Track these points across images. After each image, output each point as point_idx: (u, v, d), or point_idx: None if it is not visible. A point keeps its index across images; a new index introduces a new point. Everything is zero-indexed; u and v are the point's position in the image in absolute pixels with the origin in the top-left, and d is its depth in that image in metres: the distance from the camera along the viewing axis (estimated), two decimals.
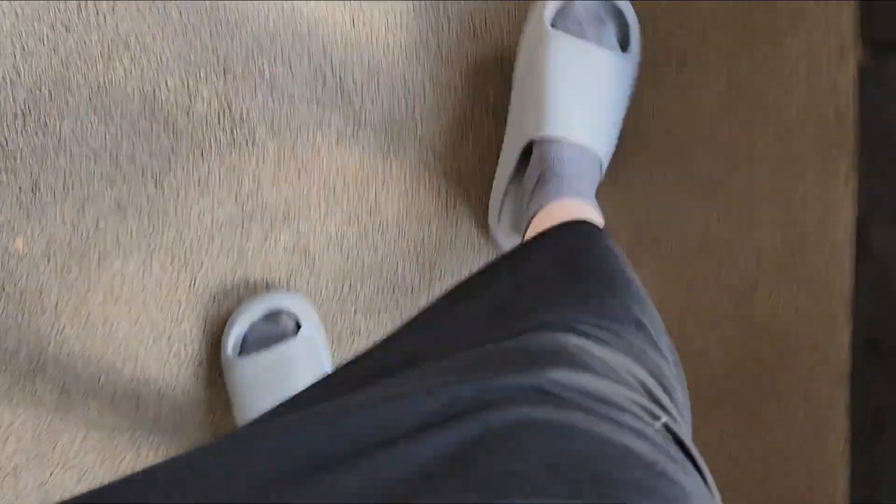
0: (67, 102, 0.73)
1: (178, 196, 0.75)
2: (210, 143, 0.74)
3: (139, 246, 0.76)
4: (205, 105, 0.73)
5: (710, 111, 0.77)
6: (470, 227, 0.80)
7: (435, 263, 0.80)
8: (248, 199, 0.76)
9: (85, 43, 0.70)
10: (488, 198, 0.78)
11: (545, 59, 0.70)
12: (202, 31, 0.72)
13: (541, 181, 0.68)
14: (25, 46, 0.70)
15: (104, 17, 0.70)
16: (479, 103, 0.76)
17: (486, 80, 0.77)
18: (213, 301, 0.79)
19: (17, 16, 0.70)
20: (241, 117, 0.75)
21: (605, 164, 0.72)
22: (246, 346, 0.78)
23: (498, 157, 0.77)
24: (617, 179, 0.76)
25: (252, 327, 0.78)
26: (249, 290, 0.80)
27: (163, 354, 0.80)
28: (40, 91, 0.71)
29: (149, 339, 0.79)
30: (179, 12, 0.71)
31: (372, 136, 0.76)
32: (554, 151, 0.69)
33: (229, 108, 0.74)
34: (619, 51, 0.73)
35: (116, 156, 0.73)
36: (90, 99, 0.73)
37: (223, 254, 0.78)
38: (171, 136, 0.73)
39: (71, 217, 0.74)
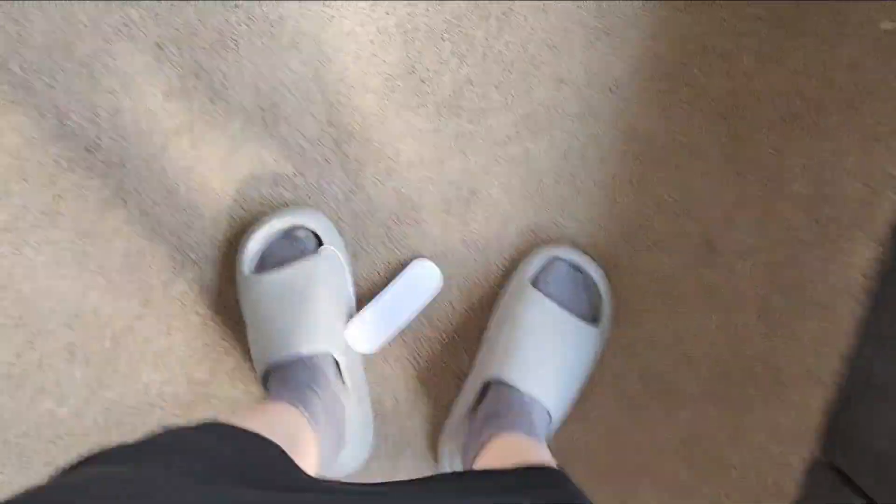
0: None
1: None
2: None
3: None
4: None
5: (663, 445, 0.83)
6: (421, 440, 0.84)
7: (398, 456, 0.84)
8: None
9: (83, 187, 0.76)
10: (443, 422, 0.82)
11: (520, 314, 0.76)
12: None
13: (493, 414, 0.71)
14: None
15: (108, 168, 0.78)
16: (463, 340, 0.82)
17: (471, 328, 0.82)
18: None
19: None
20: None
21: (556, 423, 0.75)
22: (263, 264, 0.76)
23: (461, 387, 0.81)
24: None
25: (269, 244, 0.76)
26: (266, 207, 0.79)
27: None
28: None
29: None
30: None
31: None
32: (508, 395, 0.73)
33: None
34: (590, 322, 0.77)
35: None
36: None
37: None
38: None
39: None
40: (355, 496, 0.50)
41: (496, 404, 0.73)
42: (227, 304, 0.83)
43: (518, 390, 0.74)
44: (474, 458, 0.69)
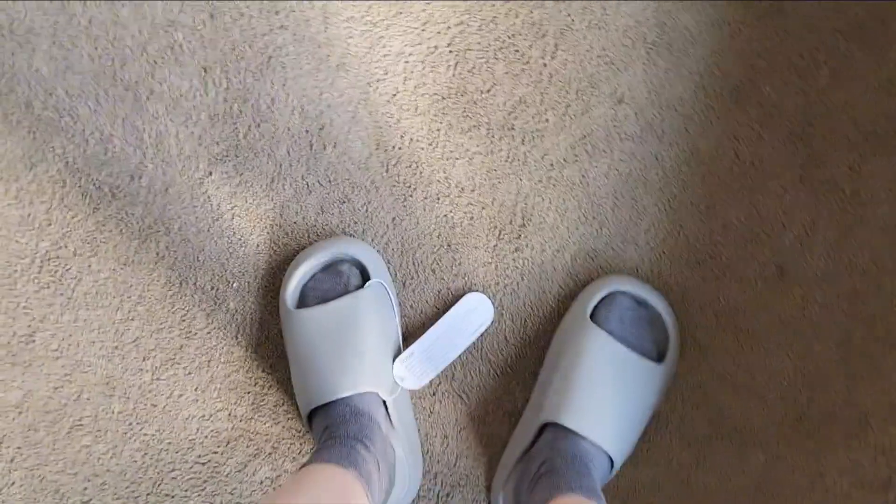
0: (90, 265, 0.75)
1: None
2: None
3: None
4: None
5: (736, 492, 0.75)
6: (473, 482, 0.78)
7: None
8: None
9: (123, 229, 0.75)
10: (496, 465, 0.77)
11: (578, 352, 0.70)
12: None
13: (548, 466, 0.66)
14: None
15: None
16: (517, 374, 0.77)
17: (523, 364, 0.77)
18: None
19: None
20: None
21: (618, 466, 0.70)
22: (305, 299, 0.72)
23: (514, 429, 0.76)
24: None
25: (314, 279, 0.72)
26: (310, 238, 0.75)
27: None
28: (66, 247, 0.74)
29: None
30: None
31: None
32: (566, 441, 0.68)
33: None
34: (655, 360, 0.72)
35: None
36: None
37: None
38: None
39: None
40: None
41: (552, 452, 0.68)
42: (270, 336, 0.79)
43: (577, 435, 0.69)
44: None
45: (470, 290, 0.78)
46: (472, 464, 0.79)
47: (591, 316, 0.73)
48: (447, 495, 0.80)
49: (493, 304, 0.77)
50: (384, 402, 0.73)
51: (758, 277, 0.76)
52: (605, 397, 0.69)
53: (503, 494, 0.75)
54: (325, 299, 0.72)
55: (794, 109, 0.73)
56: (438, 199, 0.77)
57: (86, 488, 0.80)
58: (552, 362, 0.74)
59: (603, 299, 0.73)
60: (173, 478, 0.80)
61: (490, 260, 0.78)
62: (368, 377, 0.71)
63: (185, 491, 0.80)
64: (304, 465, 0.63)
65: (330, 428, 0.69)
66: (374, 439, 0.69)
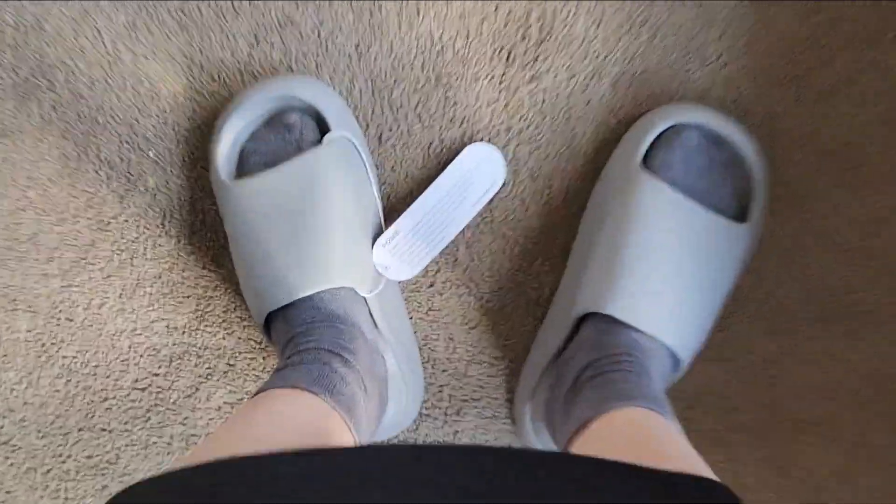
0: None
1: None
2: None
3: None
4: None
5: (842, 386, 0.56)
6: (489, 394, 0.60)
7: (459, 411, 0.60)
8: None
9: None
10: (520, 369, 0.59)
11: (627, 213, 0.50)
12: None
13: (592, 370, 0.48)
14: None
15: None
16: (542, 250, 0.57)
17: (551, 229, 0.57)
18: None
19: None
20: None
21: (685, 365, 0.51)
22: (245, 164, 0.53)
23: (542, 321, 0.58)
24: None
25: (252, 136, 0.53)
26: (244, 79, 0.55)
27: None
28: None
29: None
30: None
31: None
32: (613, 337, 0.50)
33: None
34: (734, 218, 0.51)
35: None
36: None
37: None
38: None
39: None
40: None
41: (596, 353, 0.49)
42: (207, 219, 0.59)
43: (628, 327, 0.50)
44: (572, 436, 0.44)
45: (472, 141, 0.56)
46: (488, 371, 0.60)
47: (645, 161, 0.52)
48: (458, 412, 0.61)
49: (504, 157, 0.56)
50: (364, 300, 0.53)
51: (878, 96, 0.53)
52: (665, 274, 0.50)
53: (530, 407, 0.56)
54: (270, 163, 0.52)
55: None
56: (419, 11, 0.54)
57: (1, 426, 0.63)
58: (590, 230, 0.54)
59: (660, 137, 0.52)
60: (108, 408, 0.62)
61: (497, 96, 0.55)
62: (339, 267, 0.51)
63: (125, 424, 0.63)
64: (261, 391, 0.45)
65: (295, 339, 0.51)
66: (355, 350, 0.50)
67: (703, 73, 0.54)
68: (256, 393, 0.45)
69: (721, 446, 0.59)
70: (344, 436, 0.44)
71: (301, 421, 0.43)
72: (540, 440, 0.58)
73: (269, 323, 0.54)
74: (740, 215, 0.53)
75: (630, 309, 0.49)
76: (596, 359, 0.49)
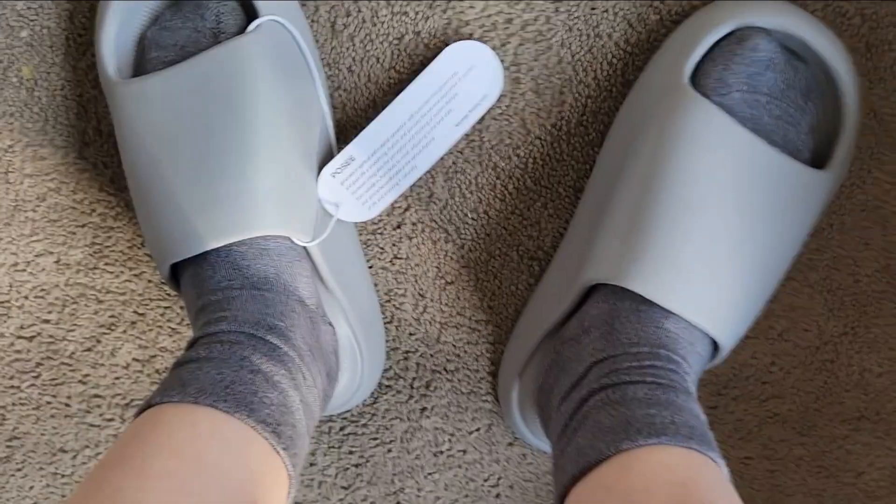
0: None
1: None
2: None
3: None
4: None
5: None
6: (467, 365, 0.47)
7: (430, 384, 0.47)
8: None
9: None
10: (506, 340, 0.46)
11: (663, 150, 0.37)
12: None
13: (603, 374, 0.36)
14: None
15: None
16: (545, 189, 0.44)
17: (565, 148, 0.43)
18: None
19: None
20: None
21: (726, 352, 0.38)
22: (146, 61, 0.40)
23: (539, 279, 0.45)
24: None
25: (154, 18, 0.40)
26: None
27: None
28: None
29: None
30: None
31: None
32: (636, 321, 0.37)
33: None
34: (809, 162, 0.38)
35: None
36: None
37: None
38: None
39: None
40: None
41: (610, 342, 0.36)
42: (103, 126, 0.45)
43: (659, 310, 0.37)
44: (574, 481, 0.31)
45: (458, 36, 0.41)
46: (467, 337, 0.47)
47: (694, 78, 0.38)
48: (426, 385, 0.48)
49: (500, 61, 0.41)
50: (305, 251, 0.39)
51: None
52: (712, 236, 0.36)
53: (518, 387, 0.44)
54: (176, 59, 0.38)
55: None
56: None
57: None
58: (611, 169, 0.40)
59: (717, 45, 0.38)
60: None
61: None
62: (267, 207, 0.38)
63: (10, 379, 0.50)
64: (149, 404, 0.33)
65: (206, 311, 0.38)
66: (289, 328, 0.38)
67: None
68: (143, 408, 0.32)
69: (754, 440, 0.48)
70: (271, 482, 0.32)
71: (207, 472, 0.30)
72: (529, 429, 0.46)
73: (177, 275, 0.41)
74: (818, 158, 0.39)
75: (660, 283, 0.36)
76: (611, 356, 0.36)
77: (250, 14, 0.39)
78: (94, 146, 0.45)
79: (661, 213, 0.37)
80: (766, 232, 0.37)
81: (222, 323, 0.37)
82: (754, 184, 0.37)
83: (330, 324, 0.42)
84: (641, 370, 0.35)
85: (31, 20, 0.43)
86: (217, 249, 0.38)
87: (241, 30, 0.38)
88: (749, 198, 0.37)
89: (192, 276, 0.39)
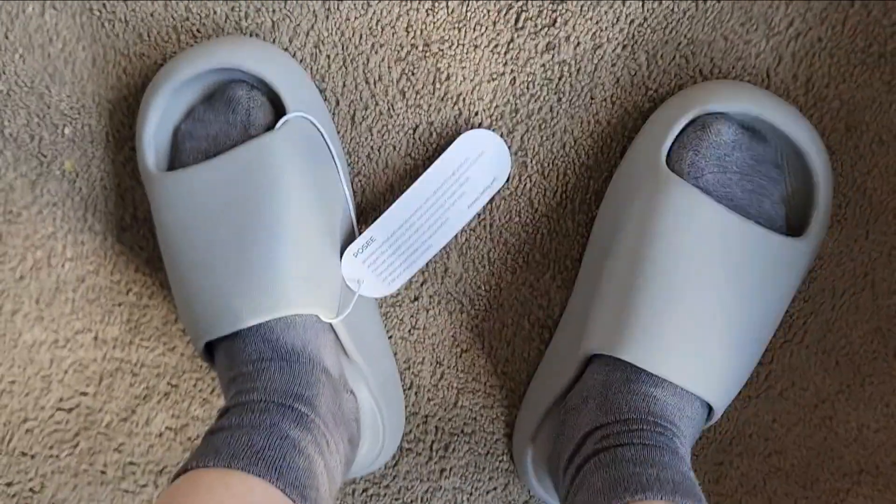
0: None
1: None
2: None
3: None
4: None
5: None
6: (483, 428, 0.50)
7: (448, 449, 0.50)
8: None
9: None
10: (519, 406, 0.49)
11: (648, 229, 0.40)
12: None
13: (599, 444, 0.38)
14: None
15: None
16: (550, 261, 0.47)
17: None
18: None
19: None
20: None
21: (719, 414, 0.41)
22: (181, 153, 0.43)
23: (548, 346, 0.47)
24: None
25: (190, 114, 0.43)
26: (181, 42, 0.43)
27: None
28: None
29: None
30: None
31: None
32: (629, 395, 0.39)
33: None
34: (785, 231, 0.41)
35: None
36: None
37: None
38: None
39: None
40: None
41: (605, 414, 0.39)
42: (139, 212, 0.48)
43: (649, 377, 0.40)
44: None
45: (469, 125, 0.44)
46: (483, 401, 0.50)
47: (671, 164, 0.41)
48: (445, 447, 0.51)
49: (508, 147, 0.44)
50: (330, 326, 0.42)
51: None
52: (698, 307, 0.39)
53: (532, 452, 0.46)
54: (210, 151, 0.42)
55: None
56: None
57: None
58: (602, 246, 0.43)
59: (685, 131, 0.41)
60: (28, 430, 0.52)
61: (501, 69, 0.43)
62: (296, 289, 0.41)
63: (50, 448, 0.53)
64: (185, 469, 0.35)
65: (238, 381, 0.41)
66: (315, 396, 0.41)
67: (768, 45, 0.42)
68: (179, 473, 0.34)
69: (759, 494, 0.50)
70: None
71: None
72: (544, 488, 0.48)
73: (211, 350, 0.44)
74: (796, 224, 0.42)
75: (648, 351, 0.39)
76: (604, 424, 0.39)
77: (277, 106, 0.42)
78: (131, 231, 0.48)
79: (647, 288, 0.39)
80: (749, 299, 0.40)
81: (253, 393, 0.39)
82: (733, 256, 0.40)
83: (352, 392, 0.44)
84: (630, 434, 0.38)
85: (74, 119, 0.46)
86: (249, 328, 0.40)
87: (270, 121, 0.42)
88: (729, 269, 0.39)
89: (225, 350, 0.42)
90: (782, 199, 0.42)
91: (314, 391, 0.40)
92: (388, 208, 0.44)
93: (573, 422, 0.41)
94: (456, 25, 0.43)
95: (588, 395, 0.41)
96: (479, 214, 0.46)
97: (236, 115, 0.41)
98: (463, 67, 0.44)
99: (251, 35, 0.44)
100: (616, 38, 0.43)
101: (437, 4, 0.43)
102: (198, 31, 0.44)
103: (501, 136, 0.45)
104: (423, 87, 0.44)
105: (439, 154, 0.44)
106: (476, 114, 0.45)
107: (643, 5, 0.42)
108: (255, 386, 0.40)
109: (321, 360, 0.42)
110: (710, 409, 0.41)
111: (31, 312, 0.50)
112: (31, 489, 0.54)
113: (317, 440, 0.39)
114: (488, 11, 0.43)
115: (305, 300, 0.41)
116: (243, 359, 0.41)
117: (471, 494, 0.51)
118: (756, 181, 0.41)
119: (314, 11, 0.43)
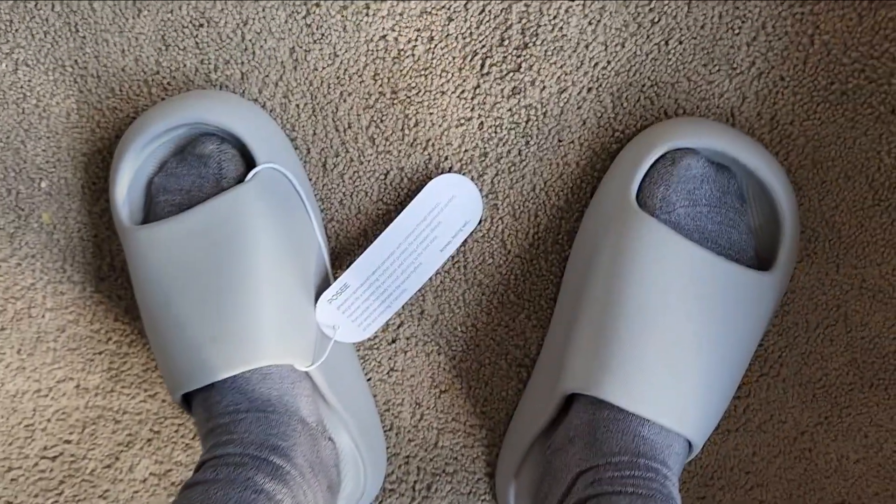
0: None
1: None
2: None
3: None
4: None
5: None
6: (465, 468, 0.50)
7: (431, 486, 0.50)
8: None
9: None
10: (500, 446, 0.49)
11: (620, 267, 0.40)
12: None
13: (590, 489, 0.38)
14: None
15: None
16: (527, 300, 0.47)
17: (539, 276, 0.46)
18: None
19: None
20: None
21: (698, 449, 0.41)
22: (155, 206, 0.43)
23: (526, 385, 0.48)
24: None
25: (164, 170, 0.43)
26: (152, 95, 0.44)
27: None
28: None
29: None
30: None
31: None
32: (617, 435, 0.39)
33: None
34: (755, 265, 0.42)
35: None
36: None
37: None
38: None
39: None
40: None
41: (594, 455, 0.39)
42: (116, 262, 0.48)
43: (633, 417, 0.40)
44: None
45: (439, 170, 0.45)
46: (463, 441, 0.50)
47: (641, 202, 0.41)
48: (428, 487, 0.51)
49: (479, 190, 0.45)
50: (307, 374, 0.43)
51: None
52: (673, 343, 0.39)
53: (515, 488, 0.46)
54: (183, 204, 0.42)
55: None
56: (368, 7, 0.42)
57: None
58: (576, 284, 0.43)
59: (654, 167, 0.41)
60: (13, 479, 0.53)
61: (469, 114, 0.44)
62: (270, 340, 0.41)
63: (35, 497, 0.53)
64: None
65: (215, 433, 0.41)
66: (291, 448, 0.41)
67: (731, 85, 0.43)
68: None
69: None
70: None
71: None
72: None
73: (189, 400, 0.44)
74: (763, 262, 0.42)
75: (632, 393, 0.39)
76: (594, 465, 0.39)
77: (248, 157, 0.43)
78: (109, 281, 0.49)
79: (622, 327, 0.40)
80: (722, 333, 0.40)
81: (229, 446, 0.40)
82: (705, 291, 0.40)
83: (331, 439, 0.45)
84: (622, 480, 0.37)
85: (50, 172, 0.47)
86: (224, 380, 0.41)
87: (241, 173, 0.42)
88: (702, 305, 0.40)
89: (202, 401, 0.42)
90: (749, 231, 0.42)
91: (290, 442, 0.40)
92: (361, 254, 0.45)
93: (561, 462, 0.41)
94: (422, 73, 0.44)
95: (575, 435, 0.41)
96: (452, 257, 0.47)
97: (208, 168, 0.42)
98: (431, 113, 0.44)
99: (221, 87, 0.44)
100: (581, 82, 0.43)
101: (402, 52, 0.43)
102: (168, 84, 0.45)
103: (472, 179, 0.45)
104: (392, 134, 0.45)
105: (411, 199, 0.45)
106: (446, 158, 0.45)
107: (606, 49, 0.43)
108: (231, 438, 0.40)
109: (297, 409, 0.42)
110: (689, 447, 0.41)
111: (13, 363, 0.50)
112: None
113: (293, 492, 0.39)
114: (454, 58, 0.43)
115: (279, 351, 0.41)
116: (219, 411, 0.41)
117: None
118: (724, 213, 0.41)
119: (282, 62, 0.44)
